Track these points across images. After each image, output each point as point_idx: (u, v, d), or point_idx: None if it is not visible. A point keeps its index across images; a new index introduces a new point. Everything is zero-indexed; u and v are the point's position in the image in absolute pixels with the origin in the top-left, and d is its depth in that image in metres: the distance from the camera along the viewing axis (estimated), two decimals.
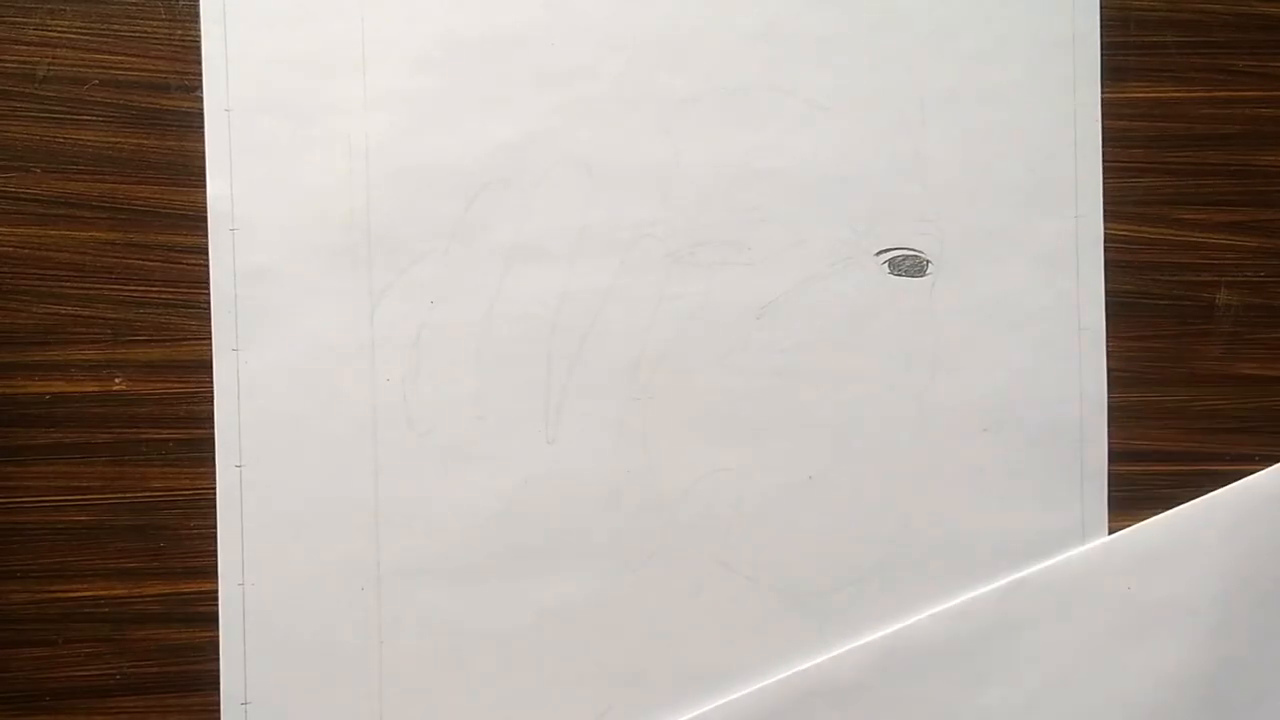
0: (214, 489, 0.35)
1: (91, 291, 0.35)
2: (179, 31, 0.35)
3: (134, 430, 0.35)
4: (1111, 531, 0.36)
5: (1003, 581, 0.36)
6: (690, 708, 0.35)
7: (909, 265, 0.36)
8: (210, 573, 0.35)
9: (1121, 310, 0.37)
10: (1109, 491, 0.37)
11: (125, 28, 0.35)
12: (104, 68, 0.35)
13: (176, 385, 0.35)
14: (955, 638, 0.35)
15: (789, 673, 0.35)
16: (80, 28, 0.35)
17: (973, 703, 0.35)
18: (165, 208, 0.35)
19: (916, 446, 0.36)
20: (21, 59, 0.35)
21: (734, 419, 0.36)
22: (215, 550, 0.35)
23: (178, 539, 0.35)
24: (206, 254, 0.35)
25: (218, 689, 0.34)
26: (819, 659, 0.35)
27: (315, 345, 0.35)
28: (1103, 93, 0.37)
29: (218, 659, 0.34)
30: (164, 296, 0.35)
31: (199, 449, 0.35)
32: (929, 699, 0.35)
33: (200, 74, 0.35)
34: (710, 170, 0.36)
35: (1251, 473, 0.37)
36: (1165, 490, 0.37)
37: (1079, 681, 0.36)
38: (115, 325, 0.35)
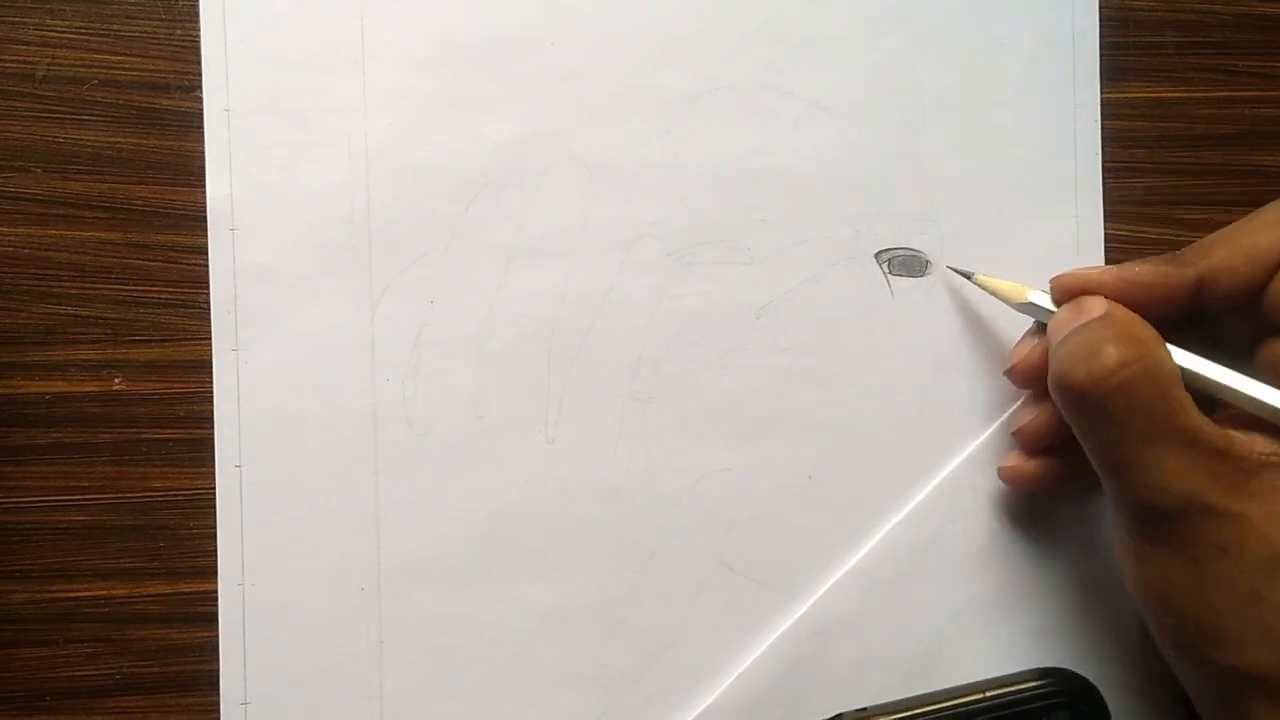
0: (214, 489, 0.35)
1: (91, 291, 0.35)
2: (179, 31, 0.35)
3: (134, 430, 0.35)
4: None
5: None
6: (690, 707, 0.35)
7: (909, 265, 0.36)
8: (210, 573, 0.35)
9: None
10: None
11: (125, 28, 0.35)
12: (104, 68, 0.35)
13: (176, 385, 0.35)
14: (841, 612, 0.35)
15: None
16: (80, 28, 0.35)
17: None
18: (165, 208, 0.35)
19: (917, 447, 0.36)
20: (21, 59, 0.35)
21: (734, 419, 0.36)
22: (215, 550, 0.35)
23: (178, 539, 0.35)
24: (206, 254, 0.35)
25: (218, 689, 0.34)
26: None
27: (315, 345, 0.35)
28: (1103, 93, 0.37)
29: (218, 659, 0.34)
30: (164, 296, 0.35)
31: (199, 449, 0.35)
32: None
33: (200, 74, 0.35)
34: (710, 170, 0.36)
35: None
36: None
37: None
38: (115, 325, 0.35)
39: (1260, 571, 0.27)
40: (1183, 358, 0.30)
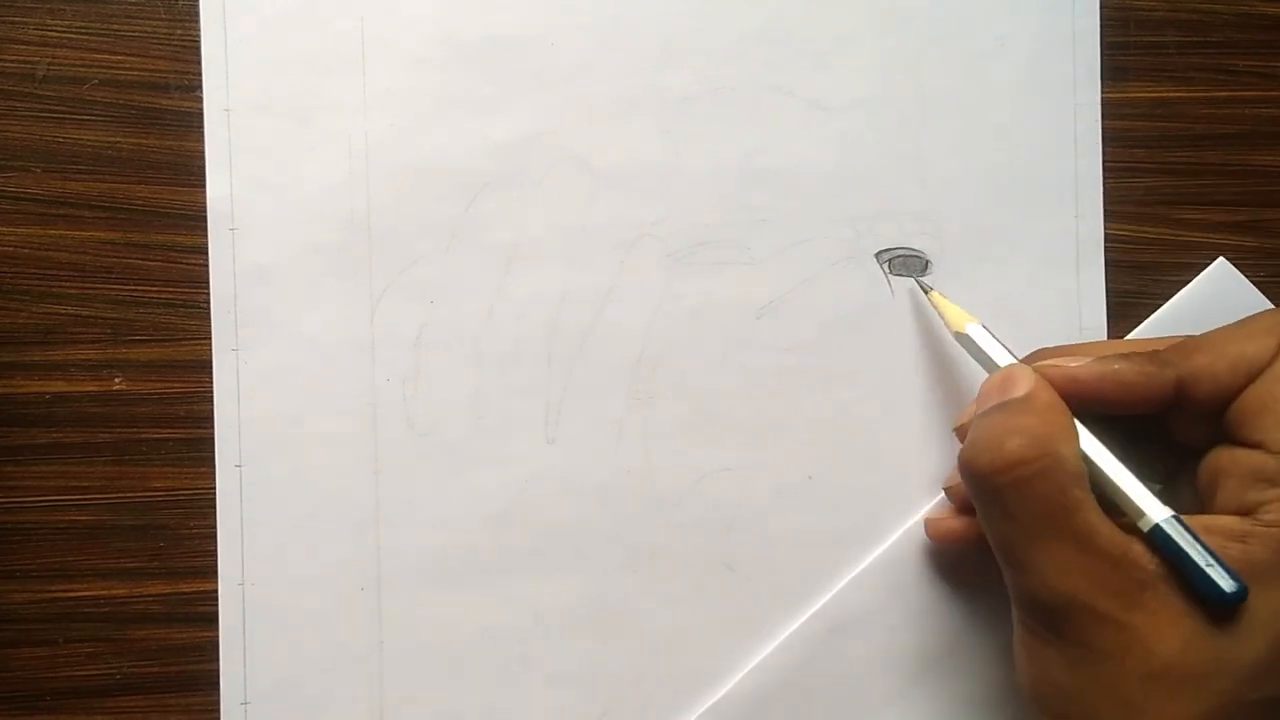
0: (214, 489, 0.35)
1: (91, 291, 0.35)
2: (179, 31, 0.35)
3: (134, 430, 0.35)
4: None
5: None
6: (690, 708, 0.35)
7: (909, 265, 0.36)
8: (210, 573, 0.35)
9: (1121, 310, 0.37)
10: None
11: (125, 28, 0.35)
12: (104, 68, 0.35)
13: (176, 385, 0.35)
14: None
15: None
16: (80, 28, 0.35)
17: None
18: (165, 208, 0.35)
19: (917, 447, 0.36)
20: (21, 59, 0.35)
21: (734, 419, 0.36)
22: (215, 550, 0.35)
23: (178, 539, 0.35)
24: (206, 254, 0.35)
25: (218, 689, 0.34)
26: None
27: (315, 345, 0.35)
28: (1103, 93, 0.37)
29: (218, 659, 0.34)
30: (164, 296, 0.35)
31: (199, 449, 0.35)
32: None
33: (200, 74, 0.35)
34: (710, 170, 0.36)
35: None
36: None
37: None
38: (115, 325, 0.35)
39: (1139, 683, 0.27)
40: (1097, 454, 0.29)
